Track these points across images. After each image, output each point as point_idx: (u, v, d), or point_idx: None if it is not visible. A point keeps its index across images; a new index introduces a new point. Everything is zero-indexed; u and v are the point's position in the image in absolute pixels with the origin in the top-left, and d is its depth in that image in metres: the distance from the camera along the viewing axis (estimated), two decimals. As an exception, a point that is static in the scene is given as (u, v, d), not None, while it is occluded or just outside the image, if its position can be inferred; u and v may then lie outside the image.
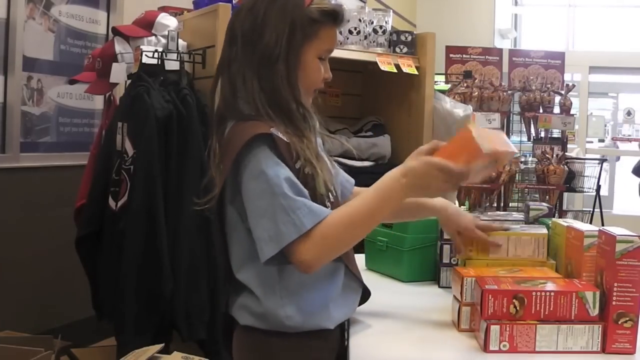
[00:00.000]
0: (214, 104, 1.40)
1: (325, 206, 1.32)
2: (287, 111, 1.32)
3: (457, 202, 4.23)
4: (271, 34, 1.31)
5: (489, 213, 1.85)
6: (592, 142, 8.41)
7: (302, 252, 1.24)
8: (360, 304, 1.47)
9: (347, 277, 1.40)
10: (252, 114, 1.32)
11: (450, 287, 1.62)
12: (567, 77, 6.17)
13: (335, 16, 1.37)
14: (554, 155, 4.54)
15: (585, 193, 5.85)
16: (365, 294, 1.48)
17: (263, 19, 1.32)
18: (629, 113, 8.60)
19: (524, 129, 4.76)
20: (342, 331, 1.41)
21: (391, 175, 1.27)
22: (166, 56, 2.52)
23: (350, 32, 2.84)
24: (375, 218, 1.30)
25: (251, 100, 1.32)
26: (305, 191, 1.28)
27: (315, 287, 1.33)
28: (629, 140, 8.55)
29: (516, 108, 4.73)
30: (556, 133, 4.88)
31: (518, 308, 1.28)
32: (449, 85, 4.41)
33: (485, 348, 1.27)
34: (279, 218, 1.23)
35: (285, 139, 1.29)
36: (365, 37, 2.90)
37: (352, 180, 1.65)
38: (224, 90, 1.37)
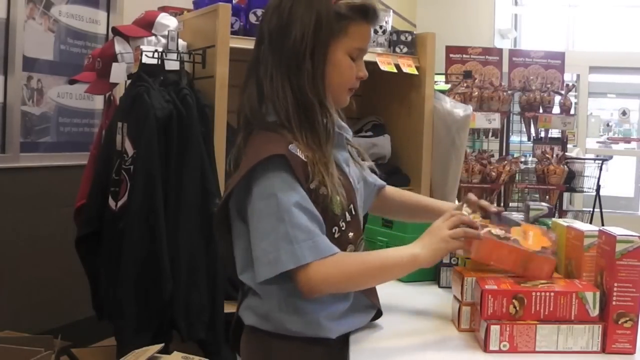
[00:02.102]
0: (243, 105, 1.37)
1: (339, 227, 1.32)
2: (310, 113, 1.31)
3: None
4: (297, 30, 1.29)
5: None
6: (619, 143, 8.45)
7: (303, 281, 1.25)
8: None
9: (357, 297, 1.39)
10: (275, 122, 1.31)
11: (450, 287, 1.62)
12: (567, 77, 6.17)
13: (365, 12, 1.34)
14: (554, 155, 4.55)
15: (585, 193, 5.86)
16: (376, 314, 1.47)
17: (289, 16, 1.30)
18: (624, 113, 8.59)
19: (524, 129, 4.77)
20: (346, 337, 1.40)
21: (411, 262, 1.32)
22: (166, 56, 2.52)
23: (350, 32, 2.84)
24: (384, 279, 1.34)
25: (277, 101, 1.30)
26: (319, 216, 1.27)
27: (322, 299, 1.32)
28: (625, 140, 8.56)
29: (516, 108, 4.74)
30: (556, 133, 4.88)
31: (518, 308, 1.28)
32: (449, 85, 4.42)
33: (485, 348, 1.27)
34: (281, 245, 1.23)
35: (303, 157, 1.28)
36: (365, 37, 2.90)
37: (380, 183, 1.63)
38: (251, 93, 1.35)
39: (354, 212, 1.38)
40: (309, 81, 1.30)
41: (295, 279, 1.25)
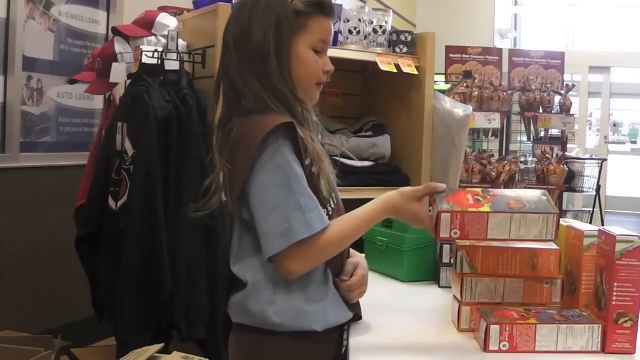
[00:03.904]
0: (215, 111, 1.41)
1: (327, 210, 1.34)
2: (289, 106, 1.34)
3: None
4: (259, 32, 1.34)
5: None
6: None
7: (317, 248, 1.27)
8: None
9: (336, 293, 1.39)
10: (261, 107, 1.33)
11: (450, 287, 1.62)
12: (567, 77, 6.17)
13: (321, 6, 1.39)
14: (554, 155, 4.55)
15: (585, 193, 5.86)
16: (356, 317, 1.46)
17: (249, 21, 1.36)
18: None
19: (524, 129, 4.77)
20: (341, 336, 1.39)
21: (382, 206, 1.35)
22: (166, 56, 2.52)
23: (350, 32, 2.84)
24: (356, 238, 1.37)
25: (258, 97, 1.33)
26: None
27: (309, 286, 1.33)
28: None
29: (516, 108, 4.73)
30: (556, 133, 4.88)
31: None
32: (449, 85, 4.42)
33: (485, 348, 1.28)
34: (293, 215, 1.25)
35: (300, 133, 1.31)
36: (365, 37, 2.90)
37: None
38: (227, 95, 1.39)
39: (336, 201, 1.40)
40: (278, 76, 1.34)
41: (302, 247, 1.26)
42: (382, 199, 1.36)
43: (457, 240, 1.48)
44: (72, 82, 3.06)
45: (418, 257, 1.87)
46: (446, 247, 1.79)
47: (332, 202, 1.38)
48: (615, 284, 1.26)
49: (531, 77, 4.93)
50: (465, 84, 4.31)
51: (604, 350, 1.29)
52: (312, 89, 1.42)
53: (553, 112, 4.63)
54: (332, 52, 1.45)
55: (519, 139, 5.08)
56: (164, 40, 2.62)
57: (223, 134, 1.38)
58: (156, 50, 2.52)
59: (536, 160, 4.59)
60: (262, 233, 1.28)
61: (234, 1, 2.65)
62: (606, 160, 6.01)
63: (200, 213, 1.38)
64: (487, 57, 5.27)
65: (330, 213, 1.36)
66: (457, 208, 1.29)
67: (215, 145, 1.42)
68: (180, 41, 2.62)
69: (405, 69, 2.92)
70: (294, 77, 1.36)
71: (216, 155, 1.40)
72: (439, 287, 1.81)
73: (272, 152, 1.27)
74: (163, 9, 2.90)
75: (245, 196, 1.31)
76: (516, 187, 4.52)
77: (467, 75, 4.39)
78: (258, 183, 1.28)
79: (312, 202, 1.27)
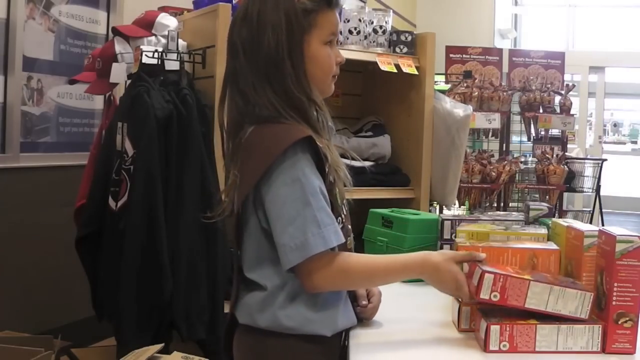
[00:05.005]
0: (222, 115, 1.39)
1: (341, 217, 1.35)
2: (303, 112, 1.32)
3: (457, 202, 4.24)
4: (270, 36, 1.30)
5: (489, 213, 1.85)
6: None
7: (315, 273, 1.27)
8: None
9: (346, 298, 1.40)
10: (274, 116, 1.31)
11: (450, 287, 1.61)
12: (567, 77, 6.18)
13: (327, 0, 1.36)
14: (554, 155, 4.55)
15: (585, 193, 5.86)
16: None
17: (258, 24, 1.32)
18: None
19: (524, 129, 4.77)
20: (342, 337, 1.40)
21: (420, 259, 1.35)
22: (166, 56, 2.52)
23: (350, 32, 2.84)
24: (386, 281, 1.40)
25: (269, 105, 1.31)
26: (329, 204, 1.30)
27: (321, 294, 1.33)
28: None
29: (516, 108, 4.73)
30: (556, 133, 4.88)
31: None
32: (449, 85, 4.42)
33: (485, 348, 1.28)
34: (309, 229, 1.25)
35: (319, 143, 1.30)
36: (365, 37, 2.90)
37: None
38: (235, 100, 1.35)
39: (347, 208, 1.40)
40: (294, 82, 1.31)
41: (321, 262, 1.27)
42: (421, 252, 1.36)
43: (457, 241, 1.49)
44: (72, 82, 3.06)
45: (418, 257, 1.87)
46: (446, 247, 1.79)
47: (343, 209, 1.37)
48: (615, 284, 1.26)
49: (531, 77, 4.93)
50: (465, 84, 4.32)
51: (604, 350, 1.28)
52: (327, 83, 1.41)
53: (553, 112, 4.63)
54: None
55: (517, 139, 5.08)
56: (164, 40, 2.62)
57: (234, 144, 1.36)
58: (156, 50, 2.51)
59: (536, 160, 4.59)
60: (278, 245, 1.28)
61: (234, 1, 2.65)
62: (606, 160, 6.02)
63: (214, 219, 1.38)
64: (487, 57, 5.27)
65: (344, 221, 1.36)
66: (501, 271, 1.30)
67: (225, 151, 1.39)
68: (180, 41, 2.62)
69: (405, 69, 2.92)
70: (309, 76, 1.34)
71: (227, 165, 1.38)
72: (439, 287, 1.81)
73: (290, 165, 1.26)
74: (163, 9, 2.89)
75: (260, 204, 1.31)
76: (516, 187, 4.53)
77: (467, 75, 4.40)
78: (275, 195, 1.27)
79: (328, 217, 1.27)
